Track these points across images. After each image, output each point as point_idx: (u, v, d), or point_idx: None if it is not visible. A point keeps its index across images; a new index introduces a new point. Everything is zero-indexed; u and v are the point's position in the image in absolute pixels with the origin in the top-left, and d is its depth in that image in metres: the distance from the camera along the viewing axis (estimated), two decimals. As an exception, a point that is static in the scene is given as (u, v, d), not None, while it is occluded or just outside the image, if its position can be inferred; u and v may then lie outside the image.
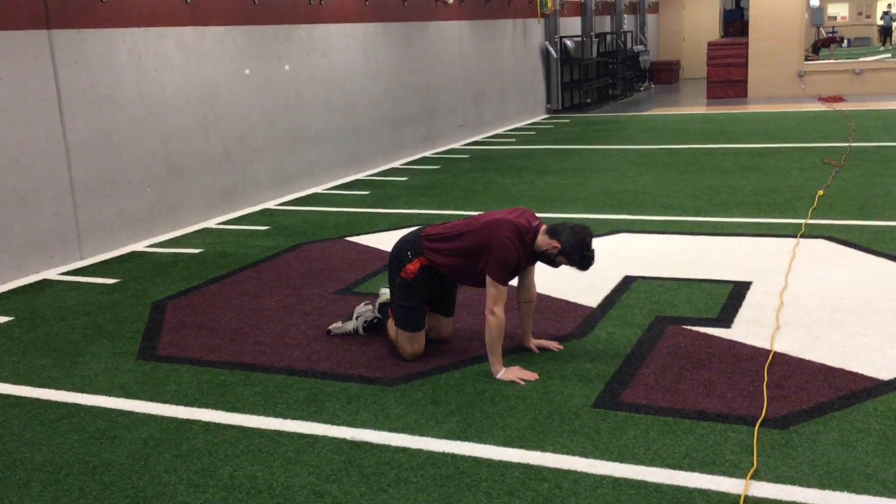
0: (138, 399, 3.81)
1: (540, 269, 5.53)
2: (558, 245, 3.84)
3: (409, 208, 7.71)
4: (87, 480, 3.11)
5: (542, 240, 3.88)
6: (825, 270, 5.18)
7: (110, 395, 3.87)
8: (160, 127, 7.02)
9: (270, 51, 8.30)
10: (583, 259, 3.87)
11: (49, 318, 5.02)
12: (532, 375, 3.83)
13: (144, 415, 3.64)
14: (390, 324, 4.25)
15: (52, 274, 5.98)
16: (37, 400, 3.85)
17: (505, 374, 3.83)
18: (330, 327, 4.51)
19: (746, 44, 17.23)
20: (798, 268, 5.25)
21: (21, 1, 5.87)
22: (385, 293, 4.45)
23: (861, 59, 17.97)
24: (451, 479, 3.00)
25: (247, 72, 7.97)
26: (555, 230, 3.88)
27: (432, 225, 4.18)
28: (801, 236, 5.98)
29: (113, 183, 6.59)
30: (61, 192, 6.17)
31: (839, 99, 15.52)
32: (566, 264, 3.91)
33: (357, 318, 4.43)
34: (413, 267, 4.02)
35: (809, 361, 3.85)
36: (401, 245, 4.12)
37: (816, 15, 24.74)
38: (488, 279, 3.82)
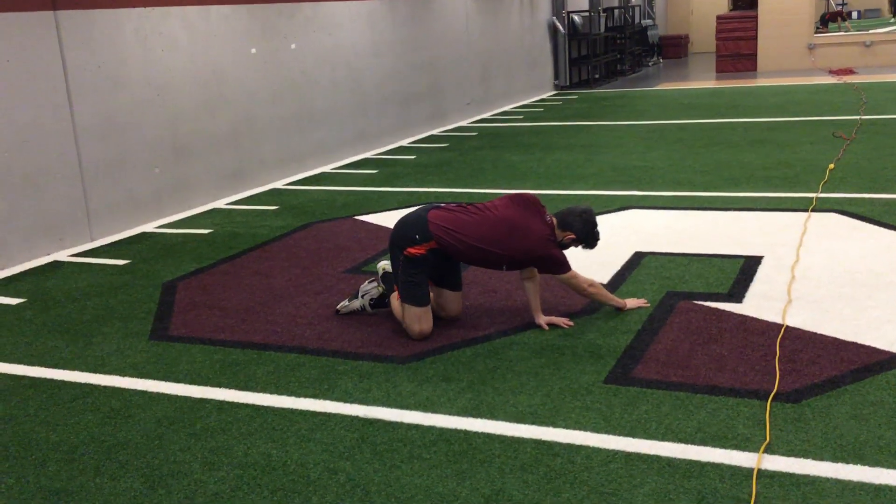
0: (152, 379, 3.83)
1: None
2: (573, 235, 4.14)
3: (418, 186, 7.70)
4: (103, 459, 3.13)
5: (559, 233, 4.15)
6: (836, 244, 5.15)
7: (124, 375, 3.89)
8: (167, 107, 7.01)
9: (276, 29, 8.26)
10: (593, 240, 4.22)
11: (61, 299, 5.04)
12: (644, 302, 4.34)
13: (158, 394, 3.67)
14: (395, 304, 4.25)
15: (63, 255, 6.00)
16: (51, 380, 3.88)
17: (630, 303, 4.29)
18: (338, 307, 4.52)
19: (756, 17, 17.06)
20: (809, 242, 5.23)
21: (26, -18, 5.86)
22: (385, 265, 4.46)
23: (872, 31, 17.79)
24: (464, 455, 3.01)
25: (253, 51, 7.95)
26: (565, 221, 4.14)
27: (436, 208, 4.15)
28: (811, 210, 5.95)
29: (121, 164, 6.60)
30: (70, 173, 6.18)
31: (850, 72, 15.39)
32: (576, 247, 4.21)
33: (363, 297, 4.44)
34: (420, 250, 4.02)
35: (821, 335, 3.84)
36: (405, 226, 4.11)
37: (826, -14, 24.45)
38: (565, 276, 4.12)
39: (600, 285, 4.25)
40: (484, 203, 4.18)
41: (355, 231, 6.23)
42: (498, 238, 4.00)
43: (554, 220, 4.13)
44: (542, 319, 4.15)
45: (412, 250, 4.03)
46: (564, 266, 4.09)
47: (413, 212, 4.20)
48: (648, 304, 4.31)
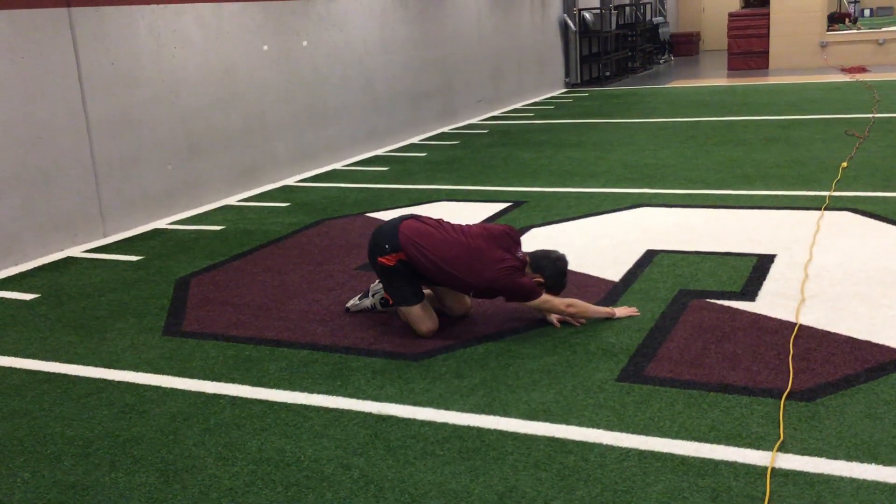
0: (165, 374, 3.85)
1: (561, 243, 5.52)
2: (542, 279, 4.07)
3: (429, 184, 7.70)
4: (118, 454, 3.15)
5: (528, 272, 4.07)
6: (850, 242, 5.13)
7: (138, 370, 3.91)
8: (180, 104, 7.03)
9: (288, 26, 8.28)
10: (560, 288, 4.17)
11: (74, 295, 5.07)
12: (635, 311, 4.20)
13: (172, 389, 3.68)
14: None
15: (76, 251, 6.03)
16: (65, 375, 3.90)
17: (620, 311, 4.17)
18: (348, 304, 4.53)
19: (768, 14, 16.99)
20: (822, 240, 5.21)
21: (41, -21, 5.88)
22: (375, 288, 4.46)
23: (884, 29, 17.68)
24: (477, 452, 3.02)
25: (265, 48, 7.96)
26: (538, 264, 4.09)
27: (413, 218, 4.15)
28: (825, 208, 5.93)
29: (134, 160, 6.62)
30: (84, 169, 6.21)
31: (862, 69, 15.31)
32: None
33: (373, 296, 4.44)
34: (389, 260, 4.02)
35: (835, 334, 3.83)
36: (377, 234, 4.12)
37: (839, -16, 24.31)
38: (536, 302, 3.99)
39: (581, 302, 4.12)
40: (462, 226, 4.14)
41: (367, 228, 6.23)
42: (462, 263, 3.93)
43: (527, 258, 4.08)
44: (554, 316, 4.12)
45: (382, 260, 4.05)
46: (533, 292, 3.96)
47: (389, 220, 4.20)
48: (639, 314, 4.18)
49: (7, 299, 5.05)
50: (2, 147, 5.63)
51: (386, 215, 6.55)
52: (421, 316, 4.05)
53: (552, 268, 4.07)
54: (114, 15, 6.43)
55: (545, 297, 4.00)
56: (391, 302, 4.27)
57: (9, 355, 4.18)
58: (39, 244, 5.90)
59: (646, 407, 3.26)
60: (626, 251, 5.22)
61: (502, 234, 4.09)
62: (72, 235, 6.13)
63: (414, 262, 3.98)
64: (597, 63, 16.41)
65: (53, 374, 3.93)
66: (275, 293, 4.87)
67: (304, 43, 8.50)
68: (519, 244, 4.13)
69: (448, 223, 4.16)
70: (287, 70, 8.28)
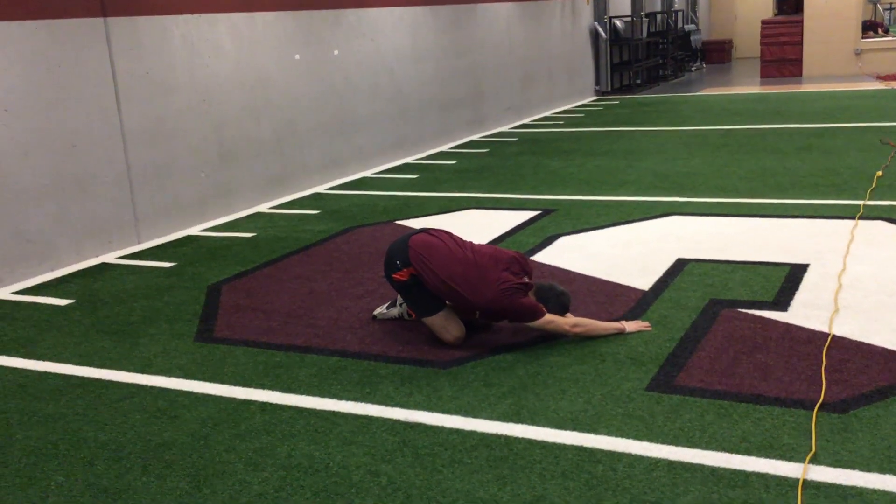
0: (197, 380, 3.89)
1: (591, 252, 5.50)
2: (545, 311, 3.96)
3: (458, 192, 7.72)
4: (150, 458, 3.19)
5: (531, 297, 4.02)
6: (884, 252, 5.06)
7: (170, 375, 3.95)
8: (213, 113, 7.11)
9: (320, 36, 8.34)
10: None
11: (108, 300, 5.14)
12: (647, 325, 4.13)
13: (203, 395, 3.72)
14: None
15: (111, 258, 6.11)
16: (99, 380, 3.95)
17: (630, 325, 4.11)
18: (374, 312, 4.54)
19: (801, 21, 16.84)
20: (856, 250, 5.15)
21: (78, -10, 5.99)
22: (387, 312, 4.48)
23: (921, 36, 17.45)
24: (505, 460, 3.01)
25: (297, 57, 8.03)
26: (543, 295, 4.02)
27: (424, 232, 4.17)
28: (859, 218, 5.85)
29: (168, 168, 6.71)
30: (118, 177, 6.30)
31: (898, 77, 15.10)
32: None
33: (401, 305, 4.45)
34: (402, 276, 4.04)
35: (869, 345, 3.78)
36: (389, 251, 4.15)
37: (873, -9, 24.03)
38: (540, 322, 3.92)
39: (587, 320, 4.07)
40: (473, 244, 4.14)
41: (396, 235, 6.24)
42: (465, 280, 3.91)
43: (533, 285, 4.04)
44: (626, 326, 4.10)
45: (396, 276, 4.07)
46: (538, 312, 3.90)
47: (400, 237, 4.22)
48: (651, 329, 4.10)
49: (43, 305, 5.14)
50: (38, 154, 5.73)
51: (415, 223, 6.57)
52: (444, 325, 4.05)
53: (555, 301, 4.00)
54: (148, 25, 6.52)
55: (549, 317, 3.93)
56: (413, 316, 4.29)
57: (44, 360, 4.25)
58: (74, 251, 5.99)
59: (675, 417, 3.24)
60: (657, 260, 5.19)
61: (511, 259, 4.06)
62: (106, 242, 6.22)
63: (422, 277, 3.99)
64: (628, 71, 16.35)
65: (87, 378, 3.99)
66: (304, 300, 4.91)
67: (336, 52, 8.57)
68: (528, 272, 4.09)
69: (459, 239, 4.16)
70: (318, 79, 8.35)
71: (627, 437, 3.11)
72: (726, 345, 3.88)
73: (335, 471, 3.01)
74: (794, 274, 4.79)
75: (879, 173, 7.16)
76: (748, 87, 15.81)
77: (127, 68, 6.34)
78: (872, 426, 3.07)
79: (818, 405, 3.23)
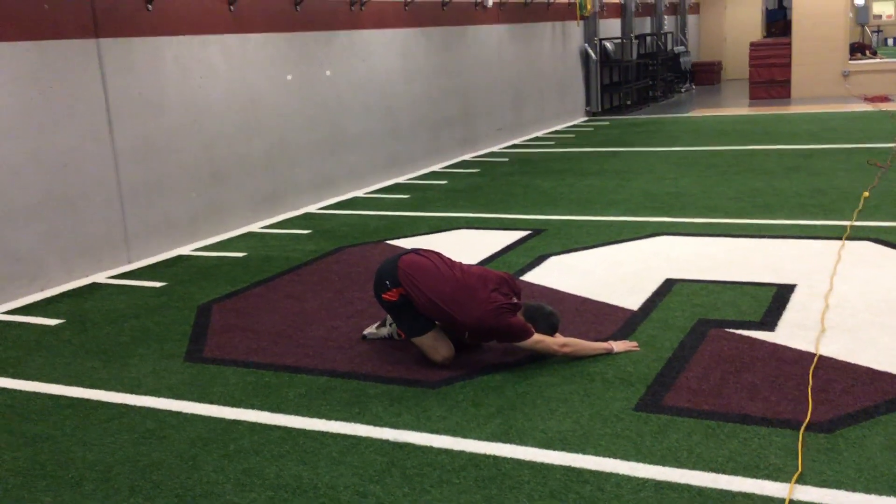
0: (186, 400, 3.88)
1: (580, 272, 5.52)
2: (533, 331, 3.97)
3: (449, 211, 7.74)
4: (138, 479, 3.18)
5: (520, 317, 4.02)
6: (871, 272, 5.11)
7: (159, 395, 3.95)
8: (204, 132, 7.14)
9: (312, 56, 8.39)
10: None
11: (98, 320, 5.13)
12: (635, 345, 4.14)
13: (192, 415, 3.72)
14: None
15: (101, 277, 6.11)
16: (88, 400, 3.95)
17: (618, 346, 4.11)
18: (364, 332, 4.55)
19: (789, 44, 16.99)
20: (843, 270, 5.19)
21: (70, 11, 6.02)
22: (377, 332, 4.49)
23: (908, 58, 17.63)
24: (493, 480, 3.02)
25: (289, 77, 8.07)
26: (532, 316, 4.03)
27: (414, 253, 4.20)
28: (845, 238, 5.90)
29: (159, 188, 6.72)
30: (109, 196, 6.31)
31: (885, 99, 15.24)
32: None
33: (391, 325, 4.46)
34: (392, 296, 4.07)
35: (855, 365, 3.81)
36: (379, 271, 4.17)
37: (861, 13, 24.28)
38: (529, 342, 3.93)
39: (576, 340, 4.08)
40: (462, 264, 4.17)
41: (386, 256, 6.26)
42: (453, 300, 3.93)
43: (522, 306, 4.06)
44: (614, 346, 4.12)
45: (386, 296, 4.10)
46: (527, 332, 3.91)
47: (390, 257, 4.24)
48: (639, 349, 4.13)
49: (32, 324, 5.13)
50: (29, 174, 5.74)
51: (406, 243, 6.59)
52: (434, 345, 4.06)
53: (544, 322, 4.01)
54: (141, 46, 6.56)
55: (538, 337, 3.94)
56: (403, 336, 4.31)
57: (33, 380, 4.24)
58: (65, 270, 5.99)
59: (663, 437, 3.25)
60: (646, 280, 5.22)
61: (500, 279, 4.09)
62: (97, 261, 6.22)
63: (411, 297, 4.01)
64: (618, 92, 16.46)
65: (76, 398, 3.98)
66: (295, 320, 4.91)
67: (328, 72, 8.62)
68: (516, 292, 4.12)
69: (449, 259, 4.18)
70: (310, 99, 8.39)
71: (615, 457, 3.13)
72: (714, 365, 3.90)
73: (324, 491, 3.01)
74: (781, 294, 4.83)
75: (866, 194, 7.23)
76: (737, 108, 15.93)
77: (119, 89, 6.36)
78: (858, 446, 3.09)
79: (805, 425, 3.25)
